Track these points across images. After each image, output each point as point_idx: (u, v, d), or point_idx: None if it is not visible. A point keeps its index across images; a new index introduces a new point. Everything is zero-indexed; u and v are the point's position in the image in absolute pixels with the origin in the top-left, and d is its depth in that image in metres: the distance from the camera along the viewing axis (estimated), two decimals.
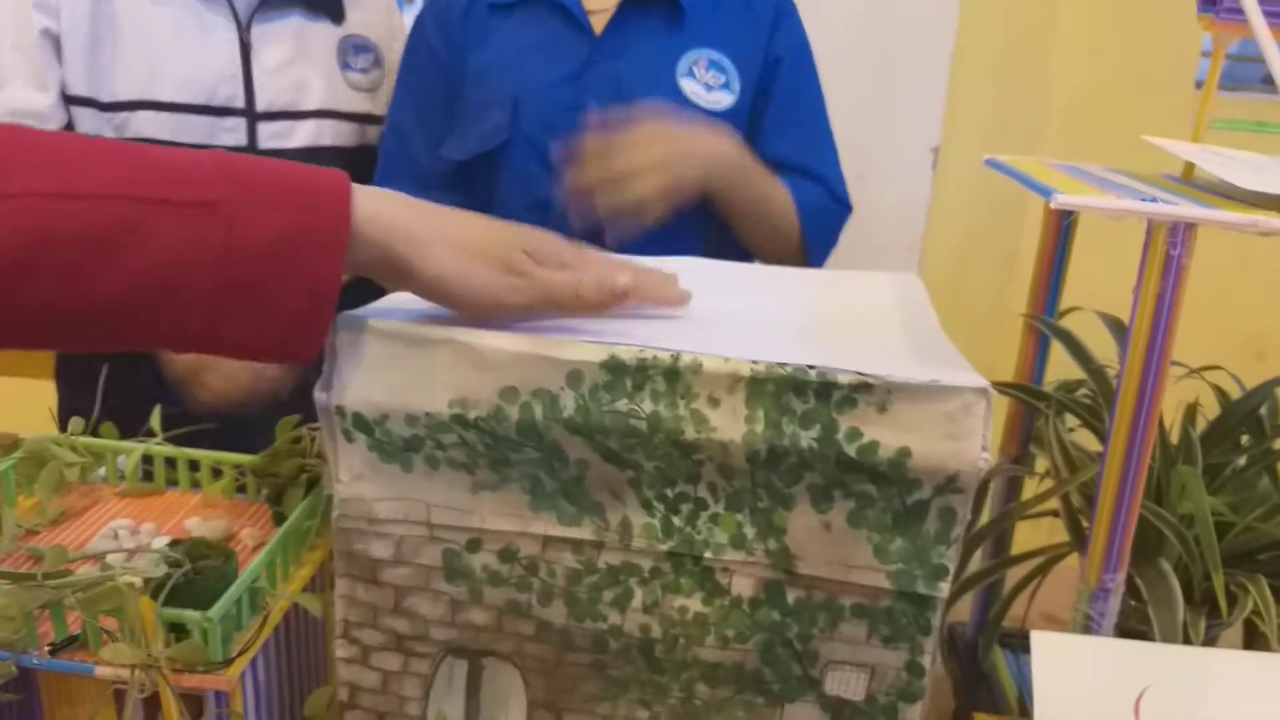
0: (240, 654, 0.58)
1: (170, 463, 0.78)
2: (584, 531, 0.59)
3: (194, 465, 0.78)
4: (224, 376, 0.97)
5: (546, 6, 1.12)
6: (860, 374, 0.54)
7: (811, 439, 0.55)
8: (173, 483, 0.79)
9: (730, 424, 0.55)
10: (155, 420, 0.78)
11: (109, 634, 0.57)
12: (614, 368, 0.55)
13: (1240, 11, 0.71)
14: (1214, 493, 0.77)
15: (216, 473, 0.78)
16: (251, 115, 1.11)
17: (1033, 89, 2.14)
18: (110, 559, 0.65)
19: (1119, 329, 0.84)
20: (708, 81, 1.12)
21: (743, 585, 0.59)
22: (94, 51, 1.06)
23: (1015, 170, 0.74)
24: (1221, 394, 0.85)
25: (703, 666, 0.60)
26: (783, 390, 0.55)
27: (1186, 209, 0.59)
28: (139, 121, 1.08)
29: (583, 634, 0.60)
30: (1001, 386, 0.84)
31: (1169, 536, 0.72)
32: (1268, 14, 0.71)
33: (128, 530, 0.70)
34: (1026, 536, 0.89)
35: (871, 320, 0.68)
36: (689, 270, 0.79)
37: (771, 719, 0.61)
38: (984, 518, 0.88)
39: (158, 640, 0.55)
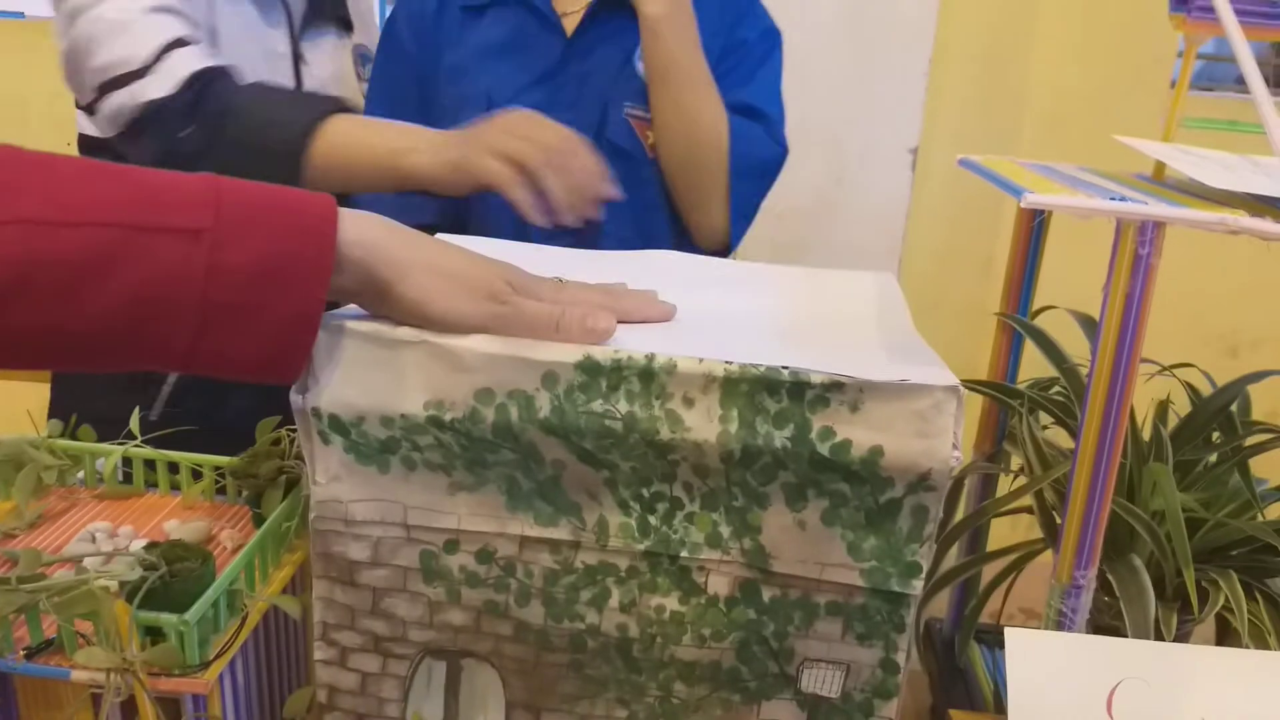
0: (218, 657, 0.58)
1: (150, 465, 0.78)
2: (561, 532, 0.59)
3: (173, 467, 0.78)
4: None
5: (518, 7, 1.12)
6: (833, 374, 0.54)
7: (785, 438, 0.55)
8: (152, 485, 0.79)
9: (705, 424, 0.56)
10: (134, 423, 0.78)
11: (85, 638, 0.57)
12: (589, 368, 0.56)
13: (1212, 10, 0.72)
14: (1185, 489, 0.78)
15: (196, 475, 0.78)
16: None
17: (1011, 90, 2.16)
18: (87, 562, 0.65)
19: (1091, 327, 0.85)
20: None
21: (719, 584, 0.59)
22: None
23: (987, 170, 0.75)
24: (1193, 391, 0.86)
25: (680, 665, 0.61)
26: (756, 390, 0.55)
27: (1155, 208, 0.60)
28: None
29: (560, 634, 0.61)
30: (974, 384, 0.84)
31: (1141, 533, 0.72)
32: (1239, 13, 0.72)
33: (105, 533, 0.70)
34: (1003, 533, 0.89)
35: (846, 319, 0.68)
36: (666, 266, 0.80)
37: (748, 717, 0.61)
38: (959, 514, 0.89)
39: (133, 644, 0.55)
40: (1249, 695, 0.63)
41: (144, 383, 1.08)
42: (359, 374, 0.56)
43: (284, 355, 0.53)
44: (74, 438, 0.79)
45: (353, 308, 0.58)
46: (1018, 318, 0.86)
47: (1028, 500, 0.80)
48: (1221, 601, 0.70)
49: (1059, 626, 0.68)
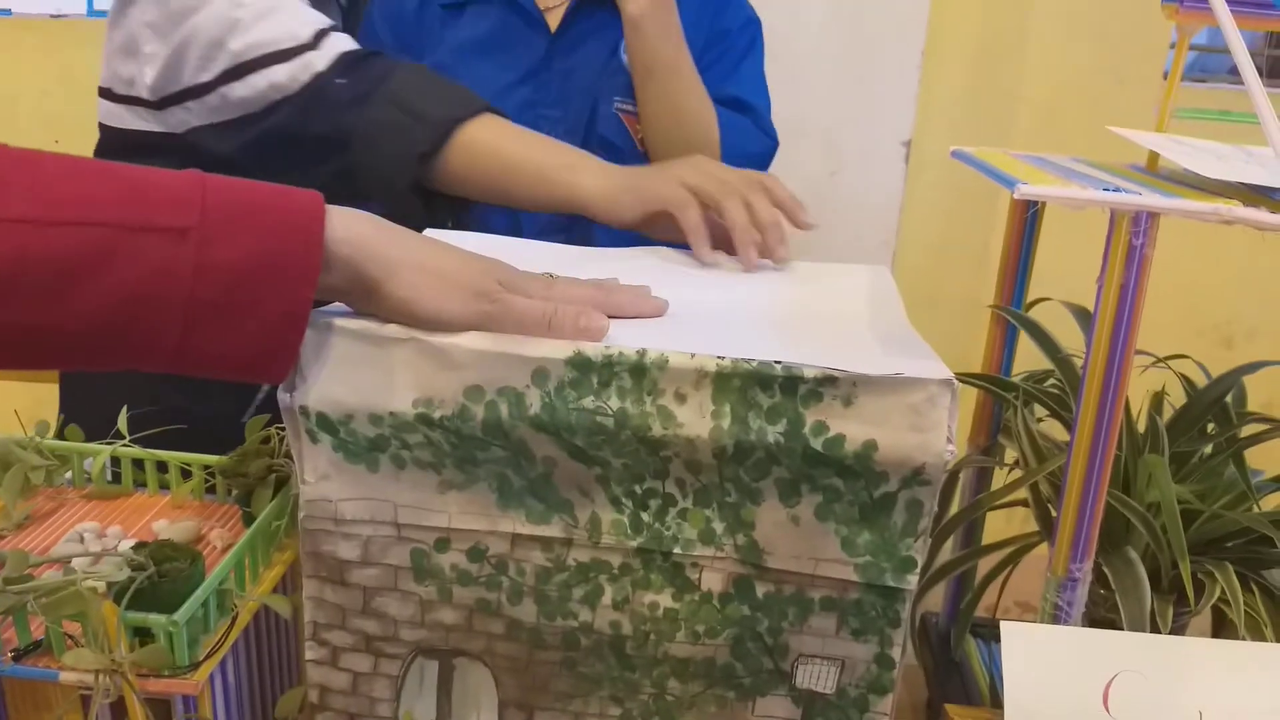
0: (207, 657, 0.58)
1: (139, 464, 0.78)
2: (553, 529, 0.58)
3: (162, 467, 0.77)
4: None
5: (500, 4, 1.11)
6: (826, 368, 0.54)
7: (778, 433, 0.55)
8: (141, 485, 0.78)
9: (697, 420, 0.55)
10: (122, 422, 0.77)
11: (73, 639, 0.57)
12: (580, 365, 0.55)
13: (1204, 1, 0.71)
14: (1180, 481, 0.78)
15: (186, 474, 0.77)
16: None
17: (1004, 82, 2.15)
18: (75, 563, 0.64)
19: (1086, 319, 0.84)
20: None
21: (712, 580, 0.59)
22: None
23: (980, 161, 0.74)
24: (1188, 383, 0.86)
25: (673, 662, 0.60)
26: (749, 385, 0.55)
27: (1149, 198, 0.59)
28: None
29: (553, 632, 0.60)
30: (969, 377, 0.84)
31: (1136, 525, 0.72)
32: (1231, 3, 0.71)
33: (93, 533, 0.70)
34: (1000, 526, 0.89)
35: (839, 313, 0.68)
36: (658, 262, 0.80)
37: (743, 713, 0.61)
38: (954, 508, 0.88)
39: (121, 645, 0.55)
40: (1245, 687, 0.63)
41: (145, 380, 1.05)
42: (347, 372, 0.56)
43: (271, 354, 0.52)
44: (61, 437, 0.78)
45: (341, 305, 0.58)
46: (1012, 310, 0.86)
47: (1023, 493, 0.80)
48: (1217, 593, 0.70)
49: (1055, 620, 0.68)
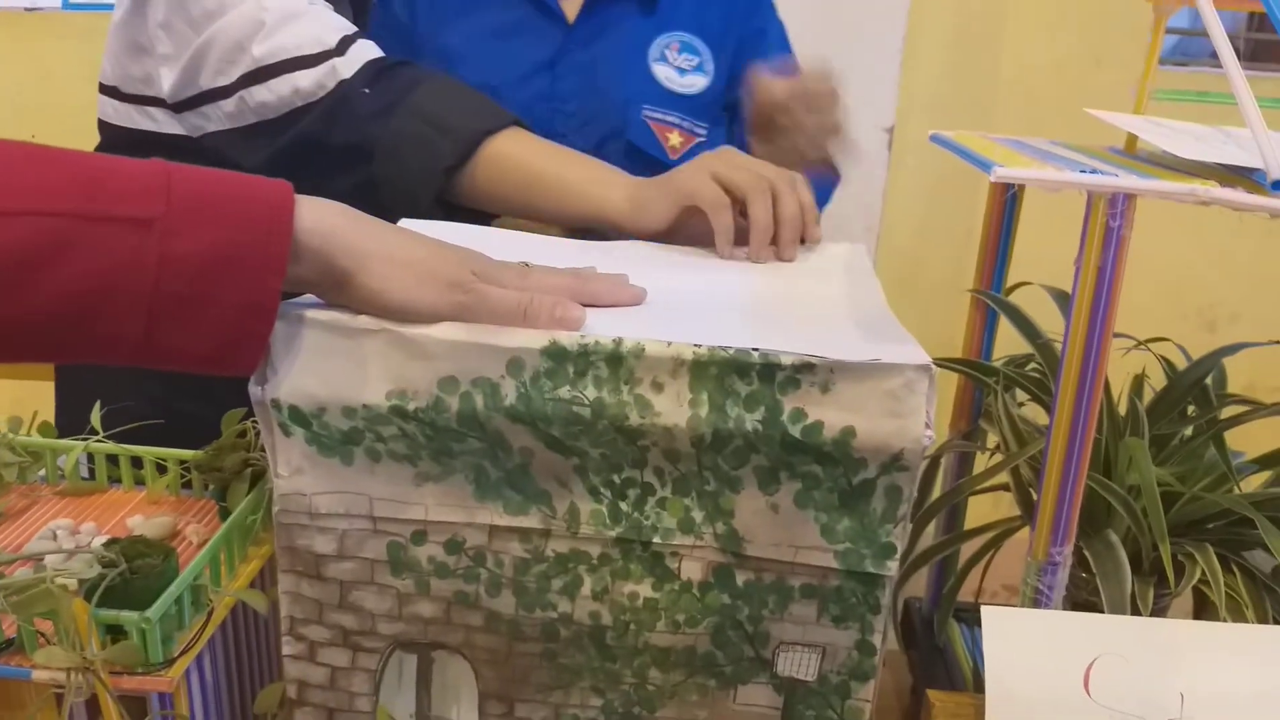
0: (182, 654, 0.57)
1: (113, 460, 0.77)
2: (531, 520, 0.58)
3: (137, 462, 0.76)
4: None
5: None
6: (803, 355, 0.53)
7: (756, 421, 0.54)
8: (116, 481, 0.78)
9: (674, 408, 0.55)
10: (95, 418, 0.76)
11: (45, 637, 0.56)
12: (555, 354, 0.55)
13: None
14: (1161, 463, 0.78)
15: (162, 469, 0.76)
16: None
17: (986, 67, 2.15)
18: (48, 560, 0.63)
19: (1066, 302, 0.84)
20: (680, 65, 1.11)
21: (692, 569, 0.58)
22: None
23: (958, 145, 0.74)
24: (1169, 365, 0.86)
25: (654, 652, 0.60)
26: (726, 373, 0.54)
27: (1125, 180, 0.59)
28: None
29: (532, 623, 0.60)
30: (949, 362, 0.84)
31: (1117, 508, 0.72)
32: None
33: (67, 530, 0.69)
34: (984, 511, 0.89)
35: (817, 296, 0.67)
36: (638, 249, 0.79)
37: (724, 702, 0.61)
38: (936, 493, 0.88)
39: (93, 642, 0.54)
40: (1227, 668, 0.63)
41: (144, 377, 1.03)
42: (319, 364, 0.55)
43: (239, 347, 0.52)
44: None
45: (312, 296, 0.57)
46: (991, 294, 0.86)
47: (1004, 478, 0.79)
48: (1198, 575, 0.70)
49: (1035, 604, 0.68)
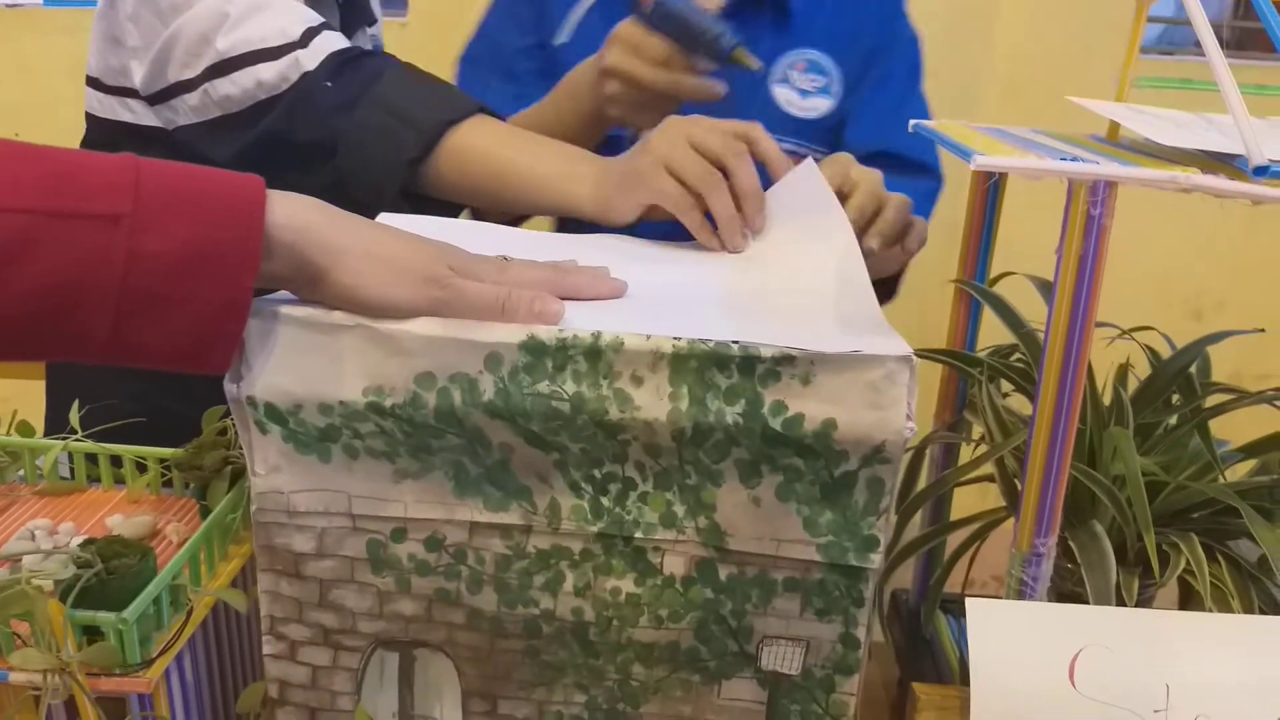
0: (161, 654, 0.57)
1: (94, 459, 0.76)
2: (511, 516, 0.58)
3: (118, 460, 0.76)
4: None
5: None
6: (783, 347, 0.53)
7: (736, 414, 0.54)
8: (95, 480, 0.77)
9: (654, 402, 0.54)
10: (74, 416, 0.76)
11: (21, 639, 0.55)
12: (534, 349, 0.54)
13: None
14: (1145, 453, 0.77)
15: (142, 468, 0.76)
16: None
17: (972, 56, 2.15)
18: (25, 561, 0.63)
19: (1049, 292, 0.84)
20: (804, 86, 1.05)
21: (674, 564, 0.58)
22: None
23: (939, 134, 0.73)
24: (1153, 354, 0.86)
25: (638, 647, 0.60)
26: (706, 366, 0.54)
27: (1105, 167, 0.59)
28: None
29: (514, 620, 0.59)
30: (933, 353, 0.83)
31: (1101, 498, 0.72)
32: None
33: (45, 531, 0.68)
34: (971, 502, 0.89)
35: (801, 286, 0.67)
36: (618, 241, 0.78)
37: (708, 696, 0.61)
38: (921, 484, 0.88)
39: (69, 644, 0.53)
40: (1212, 658, 0.63)
41: (133, 377, 1.02)
42: (294, 361, 0.55)
43: (211, 344, 0.51)
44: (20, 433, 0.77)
45: (286, 292, 0.56)
46: (974, 284, 0.85)
47: (989, 469, 0.79)
48: (1183, 565, 0.70)
49: (1020, 595, 0.68)
